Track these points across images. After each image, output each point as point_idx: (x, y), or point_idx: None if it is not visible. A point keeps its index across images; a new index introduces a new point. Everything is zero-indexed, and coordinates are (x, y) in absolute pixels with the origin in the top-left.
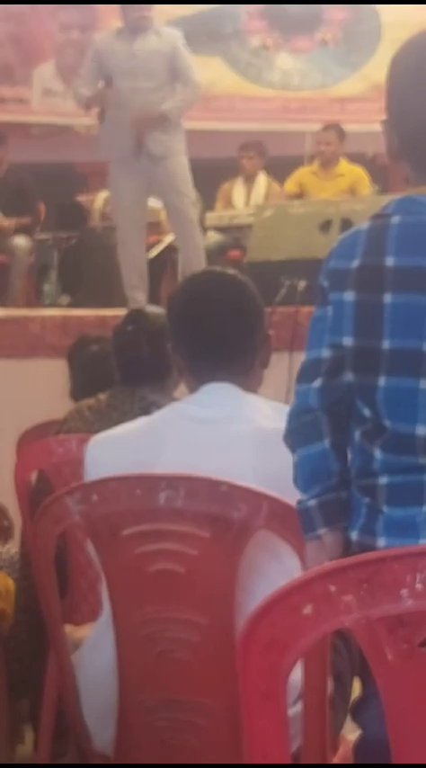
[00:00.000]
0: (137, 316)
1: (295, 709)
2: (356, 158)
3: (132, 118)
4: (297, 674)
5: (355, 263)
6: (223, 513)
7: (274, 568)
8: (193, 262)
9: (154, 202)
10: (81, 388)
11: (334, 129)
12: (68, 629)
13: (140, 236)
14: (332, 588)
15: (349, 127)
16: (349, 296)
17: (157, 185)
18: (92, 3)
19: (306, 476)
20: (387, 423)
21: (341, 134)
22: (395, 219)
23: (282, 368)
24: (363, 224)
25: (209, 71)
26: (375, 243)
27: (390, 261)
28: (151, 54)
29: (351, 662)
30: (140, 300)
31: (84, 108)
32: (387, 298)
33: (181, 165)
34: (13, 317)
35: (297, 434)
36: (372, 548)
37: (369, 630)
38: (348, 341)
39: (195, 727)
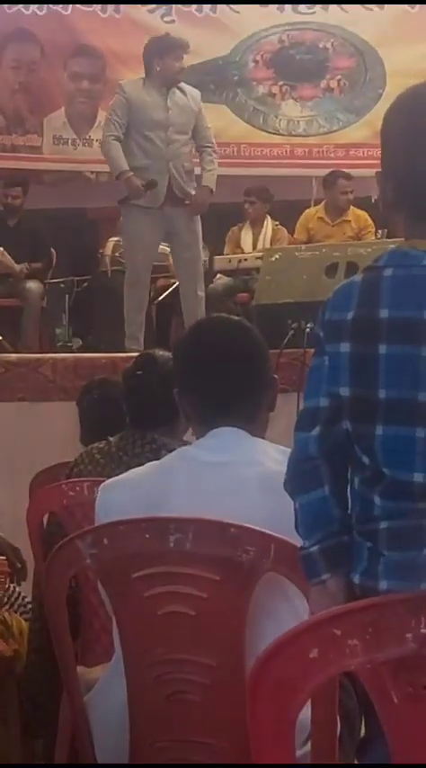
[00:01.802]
0: (146, 360)
1: (304, 750)
2: (361, 203)
3: (195, 206)
4: (305, 714)
5: (350, 315)
6: (232, 556)
7: (283, 610)
8: (196, 310)
9: (165, 247)
10: (88, 432)
11: (351, 177)
12: (81, 670)
13: (148, 279)
14: (338, 632)
15: (354, 172)
16: (344, 347)
17: (175, 233)
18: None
19: (307, 522)
20: (386, 470)
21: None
22: (388, 272)
23: (291, 409)
24: (357, 276)
25: (216, 118)
26: (368, 295)
27: (384, 313)
28: (182, 109)
29: (359, 701)
30: (141, 342)
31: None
32: (382, 348)
33: (198, 225)
34: (26, 359)
35: (297, 482)
36: (374, 590)
37: (375, 674)
38: (344, 391)
39: None
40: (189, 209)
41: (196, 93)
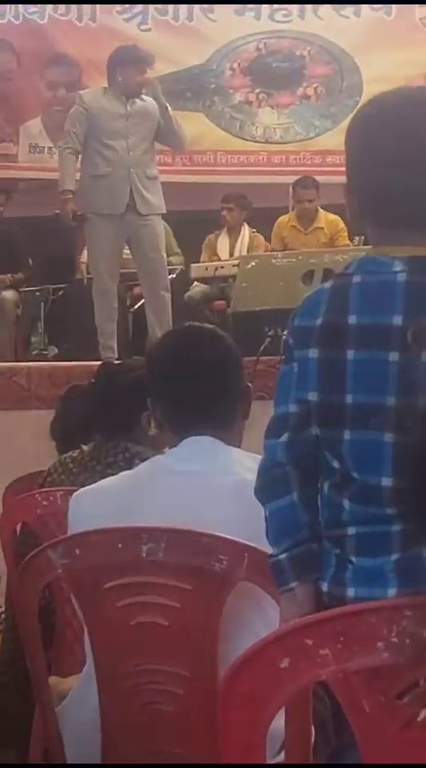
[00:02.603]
0: (107, 370)
1: (278, 759)
2: (338, 210)
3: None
4: (279, 723)
5: (319, 321)
6: (205, 565)
7: (256, 619)
8: (162, 318)
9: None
10: (63, 441)
11: (313, 183)
12: (54, 680)
13: (115, 287)
14: (309, 642)
15: (331, 179)
16: (313, 353)
17: (136, 240)
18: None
19: (276, 529)
20: (355, 474)
21: (318, 186)
22: (357, 279)
23: (267, 416)
24: (327, 283)
25: (193, 126)
26: (337, 301)
27: (352, 319)
28: (143, 117)
29: (333, 710)
30: (115, 350)
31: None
32: (350, 354)
33: (160, 225)
34: (0, 368)
35: (266, 489)
36: (342, 598)
37: (346, 683)
38: (313, 396)
39: None
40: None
41: (153, 101)
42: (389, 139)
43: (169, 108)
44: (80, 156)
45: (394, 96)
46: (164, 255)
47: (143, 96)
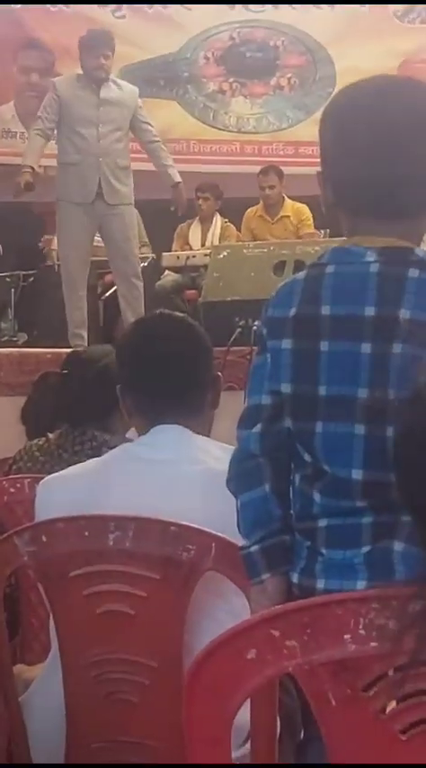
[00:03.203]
0: (74, 359)
1: (243, 751)
2: (309, 201)
3: (180, 206)
4: (245, 716)
5: (292, 312)
6: (172, 555)
7: (222, 610)
8: (134, 306)
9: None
10: (32, 427)
11: (273, 170)
12: (19, 669)
13: (85, 275)
14: (276, 633)
15: (302, 170)
16: (286, 343)
17: (106, 229)
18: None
19: (248, 521)
20: (326, 467)
21: (281, 174)
22: (330, 269)
23: (236, 407)
24: (300, 273)
25: (166, 114)
26: (311, 292)
27: (325, 309)
28: (115, 105)
29: (300, 701)
30: (84, 338)
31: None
32: (323, 345)
33: (130, 214)
34: None
35: (238, 480)
36: (312, 589)
37: (312, 675)
38: (286, 387)
39: None
40: (177, 211)
41: (133, 89)
42: (363, 128)
43: (152, 131)
44: (51, 140)
45: (368, 85)
46: (136, 243)
47: (119, 82)
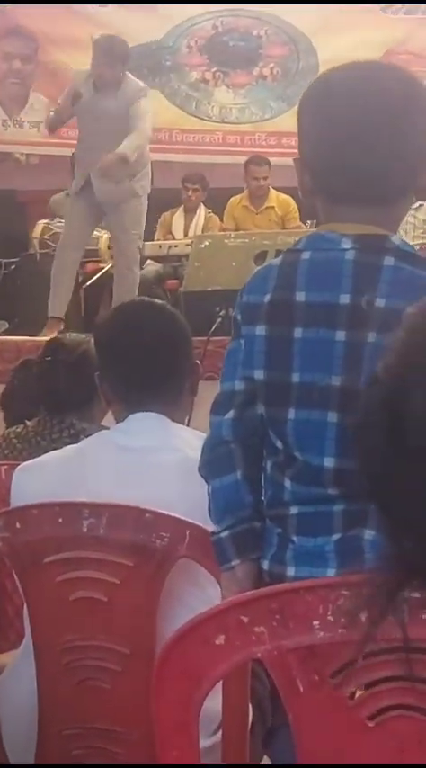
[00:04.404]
0: (54, 346)
1: (214, 739)
2: (291, 192)
3: (100, 168)
4: (216, 703)
5: (267, 298)
6: (146, 542)
7: (195, 597)
8: (128, 288)
9: (96, 231)
10: (10, 414)
11: (265, 161)
12: None
13: (76, 266)
14: (245, 619)
15: (285, 161)
16: (260, 330)
17: (106, 221)
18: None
19: (219, 507)
20: (298, 454)
21: (270, 165)
22: (306, 255)
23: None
24: (276, 259)
25: (149, 104)
26: (286, 278)
27: (300, 296)
28: (114, 108)
29: (271, 688)
30: (61, 315)
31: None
32: (297, 332)
33: (132, 209)
34: None
35: (210, 466)
36: (282, 577)
37: (281, 661)
38: (259, 374)
39: (114, 757)
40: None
41: (135, 86)
42: (341, 114)
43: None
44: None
45: (346, 71)
46: (136, 236)
47: (125, 87)
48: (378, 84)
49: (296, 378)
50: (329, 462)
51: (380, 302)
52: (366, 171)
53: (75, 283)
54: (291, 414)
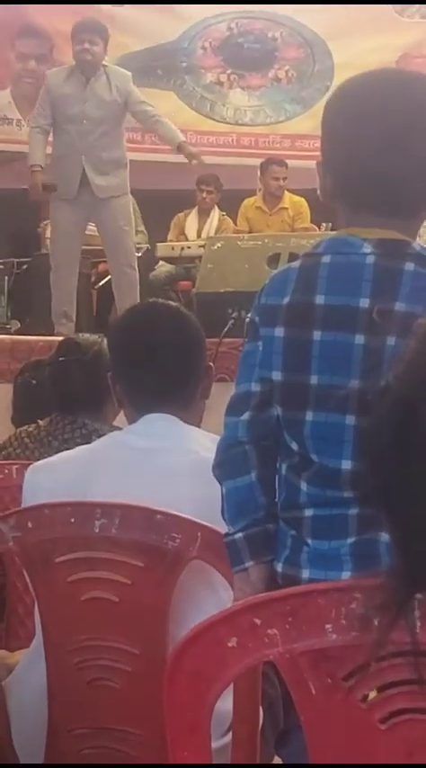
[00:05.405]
0: (68, 346)
1: (225, 740)
2: (306, 194)
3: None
4: (227, 705)
5: (286, 300)
6: (158, 543)
7: (207, 599)
8: (126, 297)
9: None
10: (19, 413)
11: (285, 164)
12: (2, 654)
13: (72, 265)
14: (258, 621)
15: (299, 163)
16: (279, 331)
17: (97, 220)
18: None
19: (232, 508)
20: (314, 457)
21: (287, 167)
22: (326, 259)
23: (228, 399)
24: (295, 262)
25: (163, 105)
26: (305, 281)
27: (320, 299)
28: (101, 100)
29: (282, 691)
30: (68, 327)
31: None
32: (316, 335)
33: (123, 205)
34: None
35: (224, 467)
36: (296, 579)
37: (293, 664)
38: (277, 375)
39: (124, 757)
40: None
41: (124, 75)
42: (372, 121)
43: (153, 113)
44: (49, 134)
45: (381, 76)
46: (131, 233)
47: (109, 73)
48: (412, 93)
49: (314, 380)
50: (346, 465)
51: (400, 306)
52: (396, 181)
53: (87, 283)
54: (309, 416)
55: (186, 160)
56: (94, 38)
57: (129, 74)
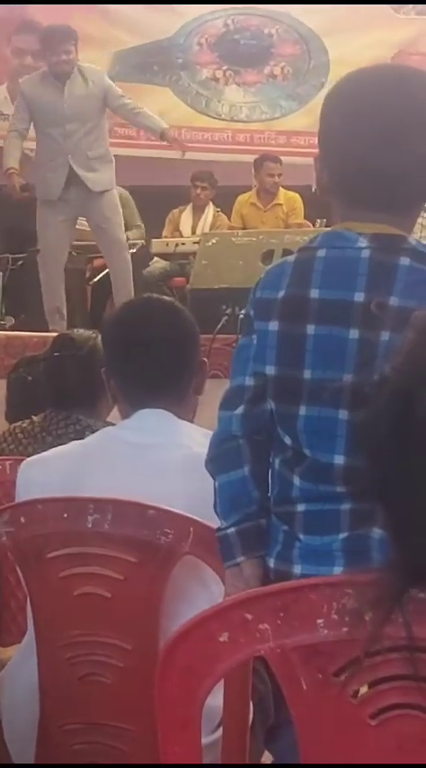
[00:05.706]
0: (63, 341)
1: (215, 736)
2: (301, 191)
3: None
4: (218, 700)
5: (281, 294)
6: (150, 538)
7: (199, 594)
8: (122, 275)
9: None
10: (13, 409)
11: (280, 160)
12: None
13: (61, 263)
14: (249, 616)
15: (294, 159)
16: (273, 325)
17: (87, 215)
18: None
19: (225, 503)
20: (307, 451)
21: (282, 163)
22: (321, 253)
23: (221, 394)
24: (290, 256)
25: (159, 101)
26: (300, 275)
27: (314, 293)
28: (80, 99)
29: (272, 686)
30: (62, 325)
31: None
32: (310, 329)
33: (110, 199)
34: None
35: (218, 461)
36: (288, 575)
37: (284, 659)
38: (270, 369)
39: (115, 752)
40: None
41: (99, 74)
42: (368, 117)
43: (133, 106)
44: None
45: (377, 72)
46: (119, 222)
47: (84, 71)
48: (409, 89)
49: (307, 374)
50: (339, 460)
51: (394, 301)
52: (392, 177)
53: (82, 280)
54: (302, 410)
55: (179, 156)
56: (69, 47)
57: (103, 69)
